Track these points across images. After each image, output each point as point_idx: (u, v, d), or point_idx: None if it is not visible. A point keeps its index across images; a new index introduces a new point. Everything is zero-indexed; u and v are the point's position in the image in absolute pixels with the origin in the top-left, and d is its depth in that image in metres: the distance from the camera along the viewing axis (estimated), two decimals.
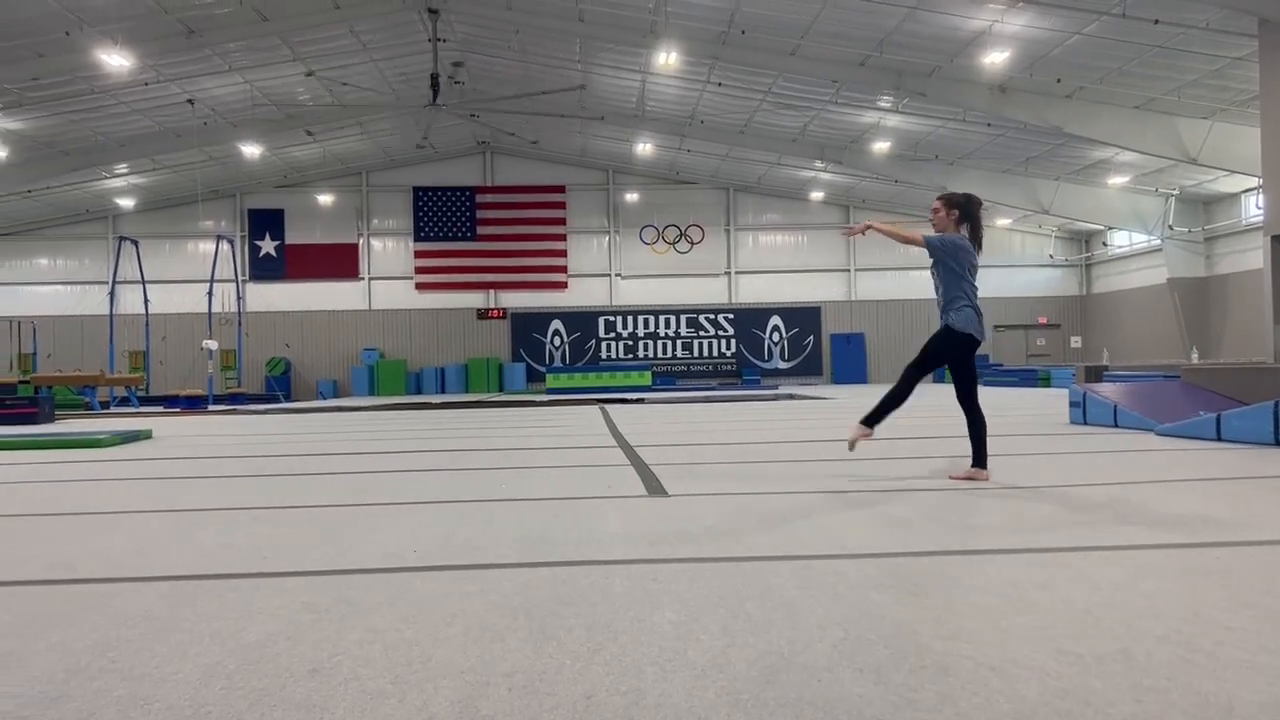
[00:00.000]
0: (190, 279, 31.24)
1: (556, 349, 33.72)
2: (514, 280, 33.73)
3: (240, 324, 28.70)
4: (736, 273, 34.10)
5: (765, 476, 6.26)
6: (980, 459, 5.59)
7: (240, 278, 29.77)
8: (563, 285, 33.81)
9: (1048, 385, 24.50)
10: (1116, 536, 3.83)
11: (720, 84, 22.82)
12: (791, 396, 21.34)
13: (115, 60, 18.32)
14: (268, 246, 33.28)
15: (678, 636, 2.47)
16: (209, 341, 24.82)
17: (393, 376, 32.59)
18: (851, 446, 5.94)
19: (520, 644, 2.42)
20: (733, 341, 33.93)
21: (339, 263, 33.53)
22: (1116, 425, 9.49)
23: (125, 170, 28.43)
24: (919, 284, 34.23)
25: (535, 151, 32.37)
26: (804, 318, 33.90)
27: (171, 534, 4.36)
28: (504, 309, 33.81)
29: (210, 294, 25.94)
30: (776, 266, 34.07)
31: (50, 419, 16.64)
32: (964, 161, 26.37)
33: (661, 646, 2.38)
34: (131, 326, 27.93)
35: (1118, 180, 26.35)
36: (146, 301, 26.53)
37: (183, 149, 26.40)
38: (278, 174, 31.89)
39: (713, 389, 28.78)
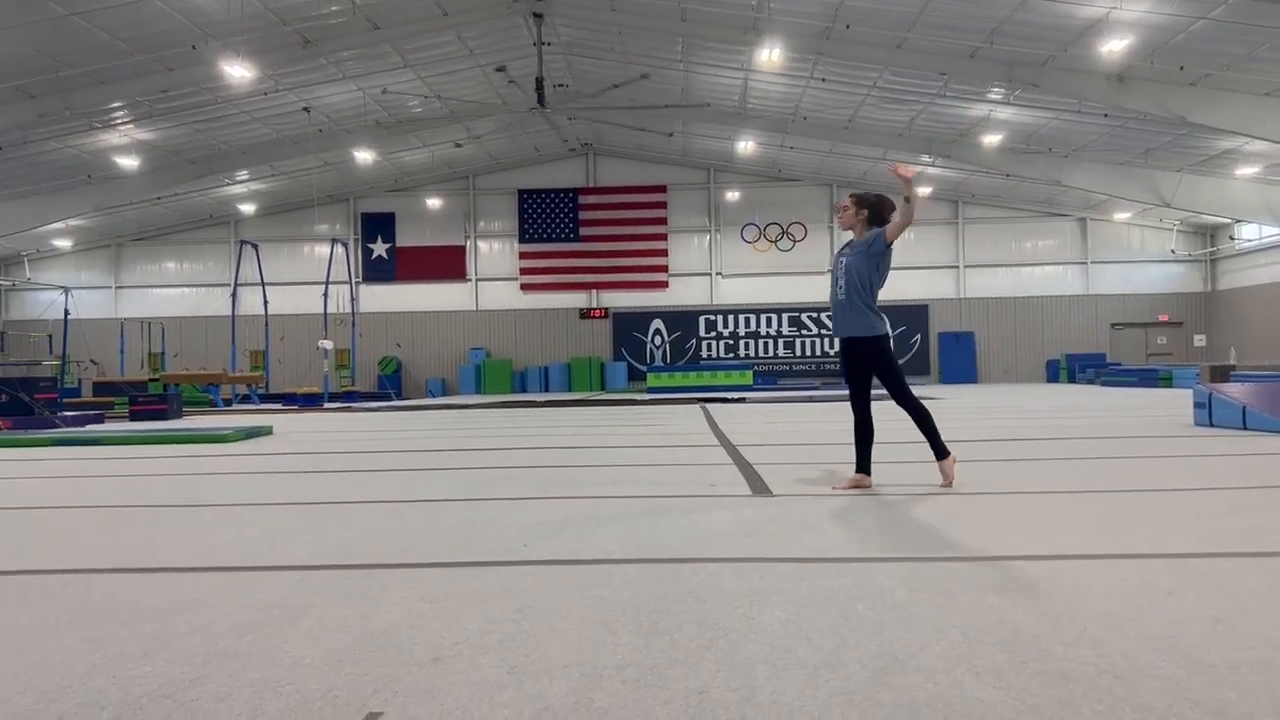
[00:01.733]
0: (306, 281, 32.39)
1: (657, 348, 33.83)
2: (615, 280, 33.97)
3: (354, 324, 29.64)
4: None
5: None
6: (942, 451, 5.37)
7: (354, 279, 30.75)
8: (663, 285, 33.89)
9: (1169, 385, 23.44)
10: (1253, 543, 3.66)
11: (824, 79, 22.54)
12: None
13: (237, 72, 19.13)
14: (380, 249, 34.30)
15: (787, 635, 2.46)
16: (324, 341, 25.71)
17: (498, 375, 33.20)
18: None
19: (631, 638, 2.45)
20: (836, 341, 33.42)
21: (447, 264, 34.31)
22: (1245, 427, 9.03)
23: (246, 177, 29.67)
24: (1031, 281, 33.19)
25: (637, 152, 32.50)
26: (910, 316, 33.21)
27: (298, 526, 4.55)
28: (606, 309, 34.08)
29: (325, 295, 26.87)
30: None
31: (179, 415, 17.49)
32: (1079, 154, 25.45)
33: (771, 645, 2.38)
34: (252, 326, 29.13)
35: (1247, 171, 25.02)
36: (266, 303, 27.62)
37: (299, 155, 27.40)
38: (389, 178, 32.82)
39: (815, 389, 28.45)
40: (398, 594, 3.02)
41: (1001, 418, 12.38)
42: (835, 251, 5.40)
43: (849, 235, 5.77)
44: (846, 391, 5.65)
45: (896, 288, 32.63)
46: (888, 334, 5.43)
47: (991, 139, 24.78)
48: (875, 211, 5.50)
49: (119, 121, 22.81)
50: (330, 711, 1.97)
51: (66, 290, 26.52)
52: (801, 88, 23.54)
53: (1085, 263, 33.15)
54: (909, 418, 5.42)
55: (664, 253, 33.79)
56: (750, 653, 2.32)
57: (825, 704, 1.98)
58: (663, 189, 33.69)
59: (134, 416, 16.79)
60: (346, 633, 2.56)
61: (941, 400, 18.16)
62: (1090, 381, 28.43)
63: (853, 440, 5.58)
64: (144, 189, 27.43)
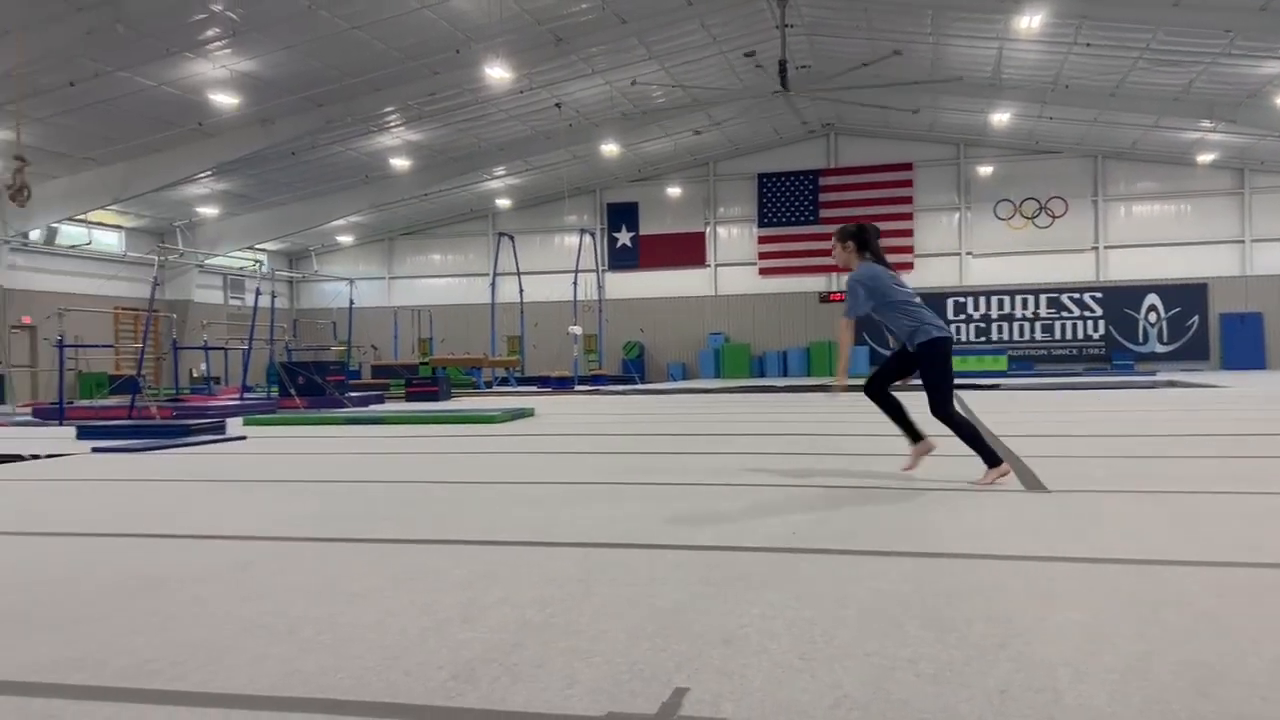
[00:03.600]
0: (557, 270, 33.90)
1: None
2: None
3: (600, 311, 30.76)
4: (1105, 247, 31.27)
5: (1154, 473, 5.77)
6: (917, 435, 5.49)
7: (600, 268, 31.89)
8: (909, 266, 32.79)
9: None
10: None
11: (1089, 44, 20.98)
12: (1173, 384, 19.27)
13: (497, 72, 20.28)
14: (624, 238, 35.36)
15: (1087, 638, 2.37)
16: (574, 327, 26.86)
17: (737, 359, 33.42)
18: (994, 478, 5.13)
19: (920, 632, 2.44)
20: (1100, 323, 31.18)
21: (687, 251, 34.87)
22: None
23: (503, 172, 31.43)
24: None
25: (880, 130, 31.61)
26: (1186, 296, 30.40)
27: (572, 504, 4.82)
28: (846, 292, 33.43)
29: (575, 283, 28.04)
30: (1153, 239, 30.79)
31: (448, 396, 18.86)
32: None
33: (1072, 647, 2.30)
34: (508, 313, 30.84)
35: None
36: (521, 291, 29.17)
37: (551, 150, 28.73)
38: (633, 169, 33.71)
39: (1077, 374, 26.68)
40: (677, 574, 3.15)
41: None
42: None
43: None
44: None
45: (1168, 266, 30.13)
46: (937, 336, 5.28)
47: None
48: (859, 240, 5.50)
49: (392, 124, 24.77)
50: (639, 685, 2.10)
51: (351, 281, 29.17)
52: (1063, 54, 22.05)
53: None
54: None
55: (909, 233, 32.72)
56: (1049, 654, 2.25)
57: (1139, 711, 1.90)
58: (908, 166, 32.60)
59: (410, 398, 18.27)
60: (635, 610, 2.71)
61: (1223, 389, 16.54)
62: None
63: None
64: (413, 186, 29.75)
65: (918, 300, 5.38)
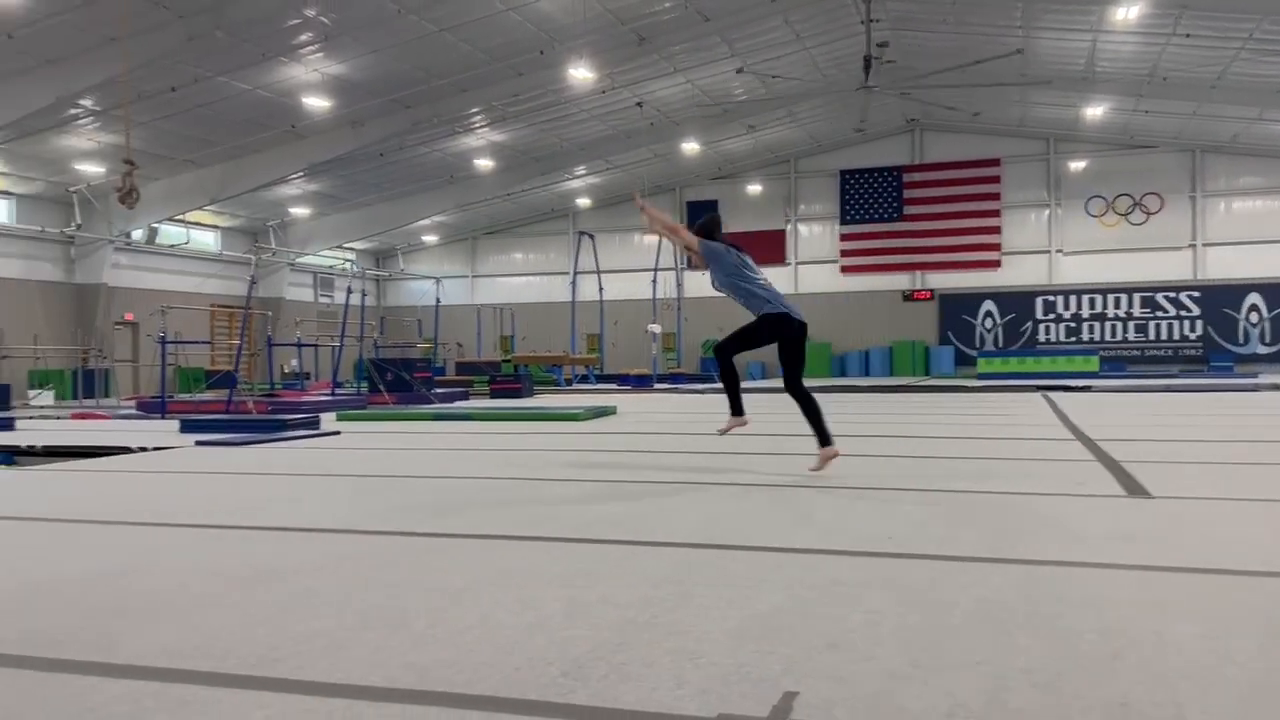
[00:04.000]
0: (636, 268, 34.02)
1: (988, 331, 32.15)
2: (942, 260, 32.65)
3: (679, 309, 30.78)
4: (1203, 245, 30.15)
5: (1260, 480, 5.55)
6: (826, 438, 5.76)
7: (679, 266, 31.91)
8: (995, 264, 32.13)
9: None
10: None
11: (1188, 35, 20.26)
12: (1276, 387, 18.50)
13: (580, 73, 20.44)
14: None
15: (1206, 651, 2.31)
16: (653, 325, 26.94)
17: (817, 359, 33.05)
18: (723, 432, 6.34)
19: (1030, 641, 2.40)
20: (1197, 323, 30.06)
21: (767, 249, 34.58)
22: None
23: (583, 172, 31.65)
24: None
25: (968, 125, 30.96)
26: None
27: (663, 503, 4.86)
28: (931, 290, 32.87)
29: (654, 282, 28.12)
30: (1256, 237, 29.55)
31: (530, 393, 19.08)
32: None
33: (1190, 660, 2.24)
34: (587, 312, 31.09)
35: None
36: (600, 289, 29.37)
37: (631, 149, 28.86)
38: (713, 166, 33.63)
39: (1173, 376, 25.78)
40: (775, 577, 3.15)
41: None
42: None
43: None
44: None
45: (1271, 264, 28.90)
46: (770, 312, 5.83)
47: None
48: (705, 231, 6.15)
49: (477, 125, 25.14)
50: (748, 687, 2.11)
51: (438, 280, 29.76)
52: (1161, 45, 21.32)
53: None
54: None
55: (996, 230, 32.02)
56: (1167, 666, 2.20)
57: None
58: (996, 162, 31.89)
59: (494, 395, 18.54)
60: (737, 611, 2.72)
61: None
62: None
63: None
64: (496, 186, 30.17)
65: (758, 285, 5.94)
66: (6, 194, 24.23)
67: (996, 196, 31.94)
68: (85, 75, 17.45)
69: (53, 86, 17.72)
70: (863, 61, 20.57)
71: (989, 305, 32.13)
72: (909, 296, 33.07)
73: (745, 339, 5.95)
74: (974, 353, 30.38)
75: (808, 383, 6.09)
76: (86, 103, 19.50)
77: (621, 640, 2.46)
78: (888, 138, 32.90)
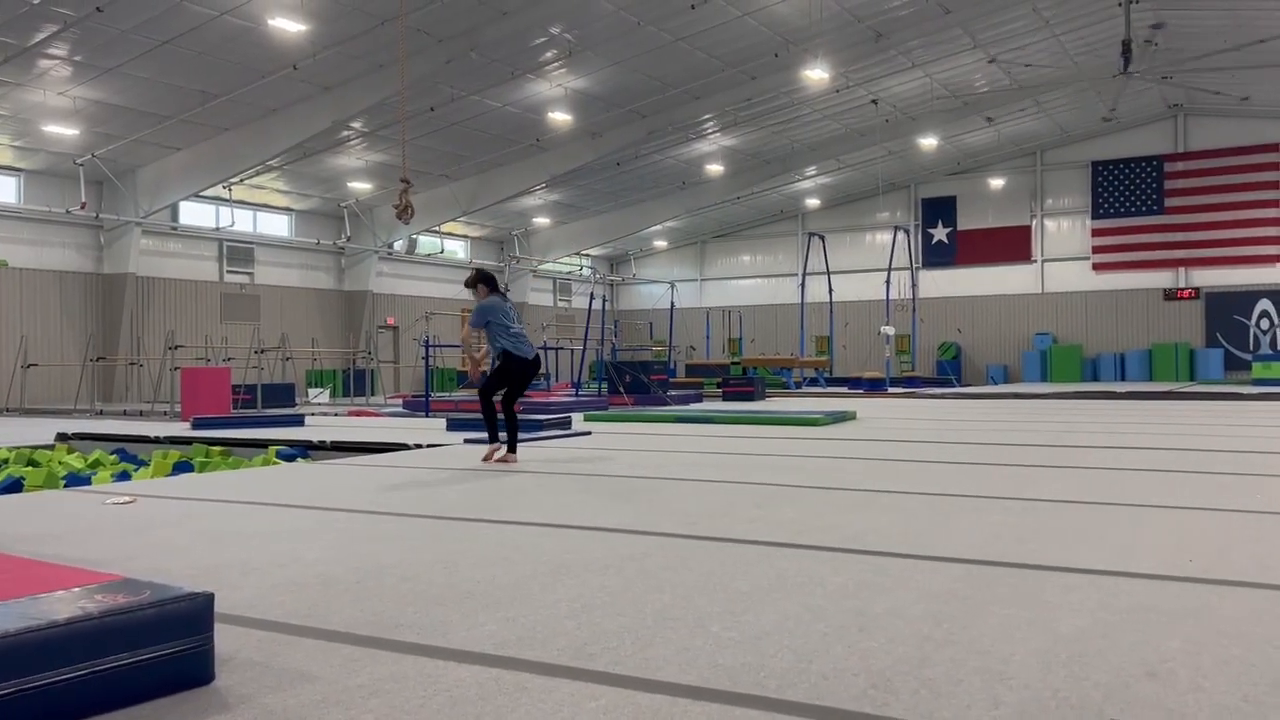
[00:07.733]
0: (868, 268, 33.32)
1: (1264, 333, 29.13)
2: (1209, 256, 29.89)
3: (914, 310, 29.89)
4: None
5: None
6: (513, 447, 7.38)
7: (914, 265, 30.98)
8: (1273, 259, 29.07)
9: None
10: None
11: None
12: None
13: (815, 73, 20.27)
14: (940, 234, 34.04)
15: None
16: (887, 327, 26.29)
17: (1066, 363, 31.15)
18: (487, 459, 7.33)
19: None
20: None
21: (1010, 246, 32.97)
22: None
23: (813, 172, 31.33)
24: None
25: (1239, 109, 28.19)
26: None
27: (930, 517, 4.76)
28: (1196, 288, 30.18)
29: (888, 282, 27.45)
30: None
31: (763, 396, 19.13)
32: None
33: None
34: (816, 313, 30.75)
35: None
36: (830, 291, 28.99)
37: (864, 147, 28.28)
38: (950, 161, 32.39)
39: None
40: (1071, 598, 3.03)
41: None
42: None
43: None
44: None
45: None
46: (523, 357, 7.41)
47: None
48: (490, 283, 7.56)
49: (709, 131, 25.47)
50: (1068, 712, 2.06)
51: (673, 285, 30.43)
52: None
53: None
54: None
55: (1275, 222, 28.98)
56: None
57: None
58: (1274, 148, 28.88)
59: (725, 397, 18.72)
60: (1040, 634, 2.64)
61: None
62: None
63: None
64: (725, 190, 30.43)
65: (514, 331, 7.37)
66: (287, 210, 26.90)
67: (1275, 185, 28.91)
68: (358, 100, 19.13)
69: (329, 111, 19.55)
70: (1121, 46, 19.19)
71: (1265, 304, 29.15)
72: (1173, 295, 30.53)
73: (503, 379, 7.45)
74: (1247, 356, 27.66)
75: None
76: (356, 125, 21.33)
77: (922, 655, 2.45)
78: (1144, 125, 30.52)
